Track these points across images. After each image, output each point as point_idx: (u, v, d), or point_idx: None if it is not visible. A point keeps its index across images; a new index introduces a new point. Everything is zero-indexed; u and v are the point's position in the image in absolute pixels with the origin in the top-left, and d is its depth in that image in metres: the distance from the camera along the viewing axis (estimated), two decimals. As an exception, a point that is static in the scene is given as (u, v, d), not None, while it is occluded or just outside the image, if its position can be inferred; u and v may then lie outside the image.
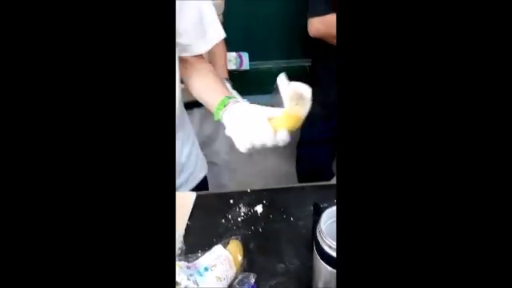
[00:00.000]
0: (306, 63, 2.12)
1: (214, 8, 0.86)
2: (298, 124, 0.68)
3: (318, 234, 0.59)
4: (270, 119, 0.67)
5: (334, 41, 1.39)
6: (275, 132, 0.66)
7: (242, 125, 0.68)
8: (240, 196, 0.93)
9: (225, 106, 0.73)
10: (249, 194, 0.93)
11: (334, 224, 0.62)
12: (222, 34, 0.90)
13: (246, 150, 0.68)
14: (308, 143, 1.70)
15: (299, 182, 1.78)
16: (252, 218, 0.86)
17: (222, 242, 0.73)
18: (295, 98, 0.65)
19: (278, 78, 0.67)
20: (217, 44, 1.04)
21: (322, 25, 1.38)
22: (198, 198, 0.92)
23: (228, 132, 0.71)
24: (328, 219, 0.62)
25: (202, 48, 0.87)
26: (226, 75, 1.43)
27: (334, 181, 1.67)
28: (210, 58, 1.27)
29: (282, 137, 0.66)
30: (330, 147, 1.71)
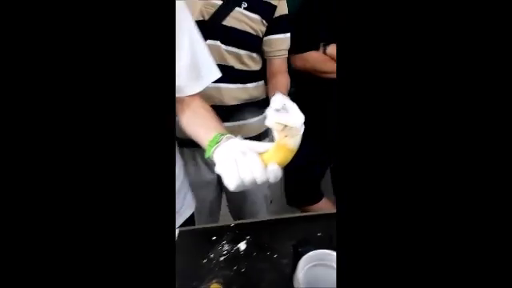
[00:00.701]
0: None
1: (207, 48, 0.87)
2: (289, 156, 0.63)
3: (295, 283, 0.57)
4: (260, 154, 0.63)
5: (318, 74, 1.41)
6: (266, 167, 0.62)
7: (231, 161, 0.64)
8: (223, 231, 0.91)
9: (217, 143, 0.71)
10: (232, 229, 0.92)
11: (315, 268, 0.61)
12: (217, 74, 0.89)
13: (235, 188, 0.64)
14: (295, 165, 1.69)
15: (288, 203, 1.77)
16: (235, 256, 0.84)
17: (203, 286, 0.72)
18: (285, 129, 0.60)
19: (266, 110, 0.61)
20: (280, 72, 1.11)
21: (305, 62, 1.40)
22: (180, 235, 0.90)
23: (217, 169, 0.67)
24: (307, 264, 0.61)
25: (196, 89, 0.87)
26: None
27: (327, 207, 1.67)
28: (271, 86, 1.19)
29: (273, 171, 0.62)
30: (317, 168, 1.70)
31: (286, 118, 0.59)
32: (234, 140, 0.70)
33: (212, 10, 0.96)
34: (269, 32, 1.10)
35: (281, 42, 1.15)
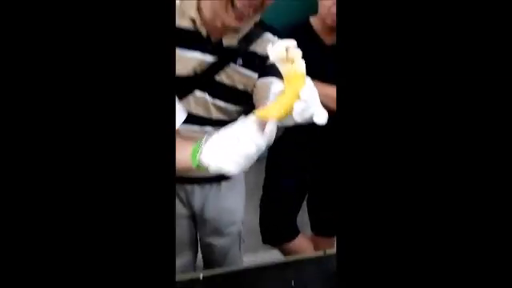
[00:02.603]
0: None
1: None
2: (304, 81, 0.62)
3: None
4: (281, 103, 0.62)
5: None
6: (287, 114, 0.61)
7: (222, 147, 0.63)
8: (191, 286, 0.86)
9: (199, 148, 0.68)
10: (200, 284, 0.87)
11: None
12: (184, 115, 0.89)
13: (238, 169, 0.62)
14: (271, 200, 1.66)
15: (263, 241, 1.72)
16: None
17: None
18: (288, 54, 0.62)
19: (267, 48, 0.64)
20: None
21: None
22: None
23: (212, 165, 0.64)
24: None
25: None
26: None
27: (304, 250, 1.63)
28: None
29: (271, 132, 0.61)
30: (294, 203, 1.67)
31: (283, 42, 0.63)
32: (213, 136, 0.68)
33: (205, 67, 0.91)
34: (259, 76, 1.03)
35: (264, 87, 1.03)
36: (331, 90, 1.34)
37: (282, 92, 0.63)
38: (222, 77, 0.93)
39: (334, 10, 1.28)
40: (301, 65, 0.63)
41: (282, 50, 0.62)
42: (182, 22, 0.87)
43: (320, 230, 1.72)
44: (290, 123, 0.64)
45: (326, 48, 1.39)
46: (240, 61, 0.93)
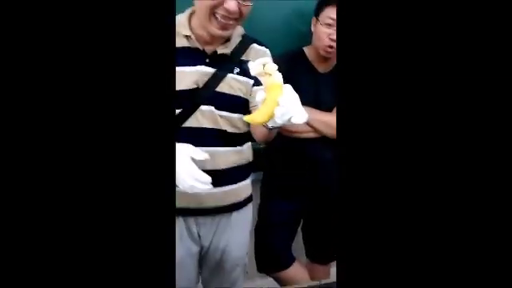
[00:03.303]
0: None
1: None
2: (281, 91, 0.74)
3: None
4: (258, 110, 0.79)
5: None
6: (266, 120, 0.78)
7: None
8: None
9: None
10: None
11: None
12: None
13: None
14: (266, 227, 1.65)
15: (259, 270, 1.69)
16: None
17: None
18: (266, 69, 0.76)
19: (248, 64, 0.80)
20: None
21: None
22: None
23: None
24: None
25: None
26: None
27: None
28: None
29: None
30: (288, 230, 1.66)
31: (261, 59, 0.78)
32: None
33: (206, 78, 1.00)
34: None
35: (257, 93, 1.15)
36: (325, 117, 1.37)
37: (264, 100, 0.76)
38: (223, 87, 1.01)
39: (327, 41, 1.33)
40: (277, 77, 0.76)
41: (260, 66, 0.77)
42: (178, 42, 0.97)
43: (315, 257, 1.70)
44: (274, 125, 0.82)
45: (319, 76, 1.43)
46: (237, 69, 1.03)
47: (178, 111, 0.98)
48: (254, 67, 0.79)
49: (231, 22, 0.94)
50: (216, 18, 0.93)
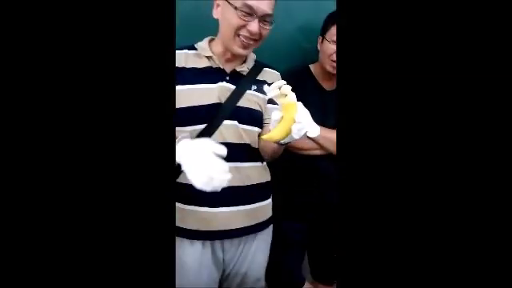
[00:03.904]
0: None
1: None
2: (296, 110, 0.81)
3: None
4: (273, 129, 0.86)
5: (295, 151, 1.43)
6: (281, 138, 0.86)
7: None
8: None
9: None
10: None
11: None
12: None
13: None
14: (280, 247, 1.61)
15: (268, 289, 1.65)
16: None
17: None
18: (282, 90, 0.84)
19: (264, 89, 0.89)
20: None
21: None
22: None
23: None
24: None
25: None
26: None
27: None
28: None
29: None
30: (300, 250, 1.62)
31: (276, 83, 0.87)
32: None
33: (228, 94, 1.08)
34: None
35: (269, 111, 1.21)
36: (331, 134, 1.37)
37: (281, 119, 0.84)
38: (244, 102, 1.10)
39: (334, 57, 1.34)
40: (292, 96, 0.84)
41: (277, 89, 0.86)
42: (200, 63, 1.09)
43: (320, 276, 1.66)
44: (290, 140, 0.92)
45: (325, 93, 1.43)
46: (254, 86, 1.13)
47: (202, 126, 1.04)
48: (270, 90, 0.88)
49: (252, 43, 1.05)
50: (239, 38, 1.03)
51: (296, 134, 0.85)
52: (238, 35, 1.03)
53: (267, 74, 1.18)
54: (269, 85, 0.99)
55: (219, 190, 0.78)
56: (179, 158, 0.81)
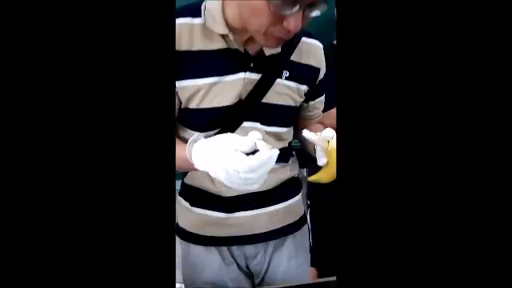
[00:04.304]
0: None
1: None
2: (334, 156, 0.75)
3: None
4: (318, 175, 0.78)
5: None
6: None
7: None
8: None
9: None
10: None
11: None
12: None
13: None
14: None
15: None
16: None
17: None
18: (325, 139, 0.76)
19: (303, 133, 0.76)
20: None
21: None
22: None
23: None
24: None
25: None
26: None
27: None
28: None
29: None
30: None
31: (325, 133, 0.75)
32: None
33: (250, 88, 0.76)
34: (310, 97, 0.90)
35: (321, 104, 0.97)
36: None
37: (327, 163, 0.77)
38: (270, 97, 0.79)
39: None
40: (335, 141, 0.77)
41: (325, 142, 0.77)
42: (211, 43, 0.73)
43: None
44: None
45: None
46: (286, 73, 0.80)
47: (215, 131, 0.78)
48: (314, 140, 0.76)
49: (287, 38, 0.68)
50: (271, 35, 0.66)
51: None
52: (271, 32, 0.65)
53: (306, 48, 0.82)
54: (305, 69, 0.80)
55: (254, 188, 0.61)
56: (197, 158, 0.65)
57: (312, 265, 1.63)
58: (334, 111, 1.02)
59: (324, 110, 1.01)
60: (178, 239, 0.95)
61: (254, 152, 0.60)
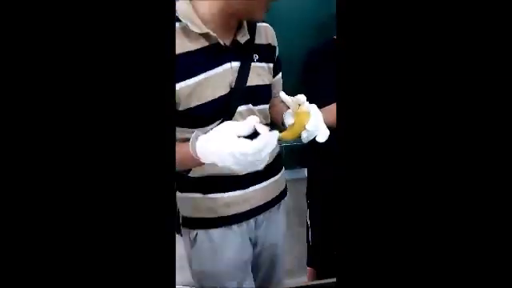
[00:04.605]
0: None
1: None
2: (308, 118, 0.80)
3: None
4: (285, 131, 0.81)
5: None
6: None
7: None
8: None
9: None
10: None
11: None
12: None
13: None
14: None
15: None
16: None
17: None
18: (296, 103, 0.81)
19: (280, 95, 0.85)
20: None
21: None
22: None
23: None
24: None
25: None
26: None
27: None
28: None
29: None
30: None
31: (298, 97, 0.82)
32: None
33: (236, 75, 0.87)
34: (273, 74, 1.02)
35: (280, 80, 1.08)
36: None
37: (292, 125, 0.82)
38: (253, 79, 0.90)
39: None
40: (307, 105, 0.83)
41: (296, 105, 0.82)
42: (193, 43, 0.81)
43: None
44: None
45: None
46: (256, 56, 0.92)
47: (216, 123, 0.86)
48: (288, 101, 0.84)
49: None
50: (266, 4, 0.82)
51: (305, 139, 0.82)
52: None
53: (263, 31, 0.96)
54: (267, 49, 0.90)
55: (260, 168, 0.69)
56: (202, 152, 0.70)
57: (309, 265, 1.62)
58: (332, 106, 1.06)
59: (322, 106, 1.05)
60: (178, 240, 0.95)
61: (253, 135, 0.67)
